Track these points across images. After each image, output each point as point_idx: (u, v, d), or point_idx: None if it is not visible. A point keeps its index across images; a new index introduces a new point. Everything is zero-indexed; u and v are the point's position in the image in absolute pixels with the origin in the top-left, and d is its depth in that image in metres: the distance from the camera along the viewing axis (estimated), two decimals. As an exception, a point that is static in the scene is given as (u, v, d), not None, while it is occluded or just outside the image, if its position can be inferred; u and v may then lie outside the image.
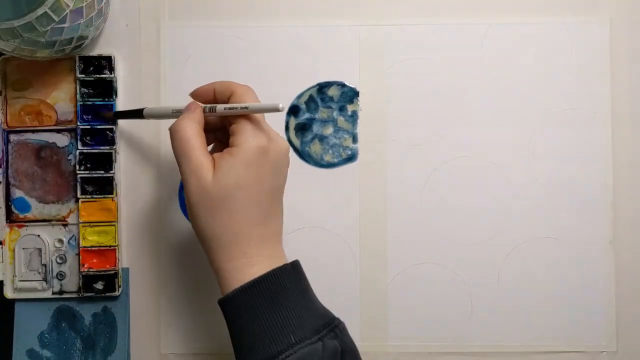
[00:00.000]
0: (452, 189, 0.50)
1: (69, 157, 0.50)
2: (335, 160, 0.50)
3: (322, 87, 0.50)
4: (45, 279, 0.49)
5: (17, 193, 0.50)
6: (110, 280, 0.49)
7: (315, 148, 0.50)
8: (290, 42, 0.50)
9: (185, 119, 0.41)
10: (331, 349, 0.38)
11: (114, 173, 0.49)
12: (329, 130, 0.50)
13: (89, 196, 0.49)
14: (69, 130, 0.50)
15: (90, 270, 0.49)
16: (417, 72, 0.50)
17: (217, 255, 0.40)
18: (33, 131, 0.50)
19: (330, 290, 0.49)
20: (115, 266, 0.49)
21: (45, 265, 0.49)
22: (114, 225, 0.49)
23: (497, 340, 0.50)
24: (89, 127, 0.49)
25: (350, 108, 0.50)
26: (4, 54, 0.49)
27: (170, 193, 0.50)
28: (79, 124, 0.49)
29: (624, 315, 0.50)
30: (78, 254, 0.49)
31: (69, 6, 0.42)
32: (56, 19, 0.42)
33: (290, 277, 0.40)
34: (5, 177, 0.50)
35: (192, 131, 0.41)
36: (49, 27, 0.42)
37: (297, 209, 0.49)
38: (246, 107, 0.40)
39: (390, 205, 0.50)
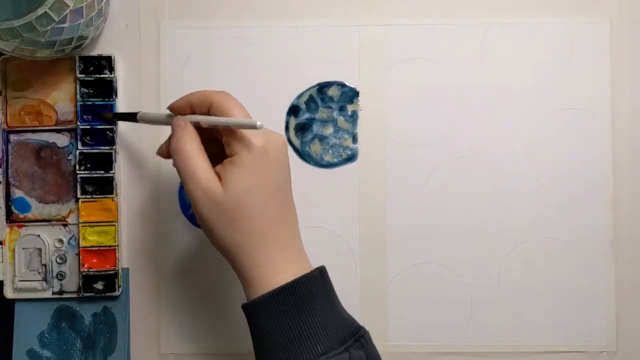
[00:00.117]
0: (452, 189, 0.50)
1: (69, 157, 0.50)
2: (335, 160, 0.50)
3: (322, 87, 0.50)
4: (45, 279, 0.49)
5: (17, 193, 0.50)
6: (110, 280, 0.49)
7: (315, 148, 0.50)
8: (290, 42, 0.50)
9: (183, 136, 0.40)
10: None
11: (114, 173, 0.49)
12: (329, 130, 0.50)
13: (89, 196, 0.49)
14: (69, 130, 0.50)
15: (90, 270, 0.49)
16: (417, 72, 0.50)
17: (242, 264, 0.40)
18: (33, 131, 0.50)
19: (330, 290, 0.49)
20: (115, 266, 0.49)
21: (45, 265, 0.49)
22: (114, 225, 0.49)
23: (497, 340, 0.50)
24: (89, 127, 0.49)
25: (350, 108, 0.50)
26: (4, 54, 0.49)
27: (170, 193, 0.50)
28: (79, 124, 0.49)
29: (624, 315, 0.50)
30: (78, 254, 0.49)
31: (69, 6, 0.42)
32: (56, 19, 0.42)
33: (318, 284, 0.40)
34: (5, 177, 0.50)
35: (192, 147, 0.40)
36: (49, 27, 0.42)
37: (297, 209, 0.49)
38: (227, 122, 0.39)
39: (390, 205, 0.50)
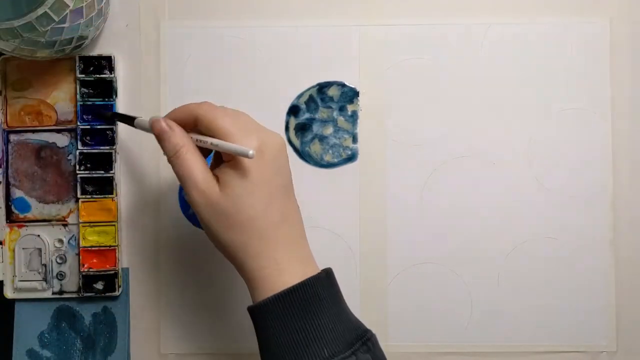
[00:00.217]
0: (452, 189, 0.50)
1: (69, 157, 0.50)
2: (335, 160, 0.50)
3: (322, 87, 0.50)
4: (45, 279, 0.49)
5: (17, 193, 0.50)
6: (110, 280, 0.49)
7: (315, 148, 0.50)
8: (290, 42, 0.50)
9: (178, 139, 0.40)
10: None
11: (114, 173, 0.49)
12: (329, 130, 0.50)
13: (89, 196, 0.49)
14: (69, 130, 0.50)
15: (90, 270, 0.49)
16: (417, 72, 0.50)
17: (246, 266, 0.39)
18: (33, 131, 0.50)
19: (330, 290, 0.49)
20: (115, 266, 0.49)
21: (45, 265, 0.49)
22: (114, 225, 0.49)
23: (497, 340, 0.50)
24: (89, 127, 0.49)
25: (350, 108, 0.50)
26: (4, 54, 0.49)
27: (170, 193, 0.50)
28: (79, 124, 0.49)
29: (624, 315, 0.50)
30: (78, 254, 0.49)
31: (69, 6, 0.42)
32: (56, 19, 0.42)
33: (324, 286, 0.39)
34: (5, 177, 0.50)
35: (188, 148, 0.40)
36: (49, 27, 0.42)
37: (297, 209, 0.49)
38: (217, 145, 0.39)
39: (390, 205, 0.50)
